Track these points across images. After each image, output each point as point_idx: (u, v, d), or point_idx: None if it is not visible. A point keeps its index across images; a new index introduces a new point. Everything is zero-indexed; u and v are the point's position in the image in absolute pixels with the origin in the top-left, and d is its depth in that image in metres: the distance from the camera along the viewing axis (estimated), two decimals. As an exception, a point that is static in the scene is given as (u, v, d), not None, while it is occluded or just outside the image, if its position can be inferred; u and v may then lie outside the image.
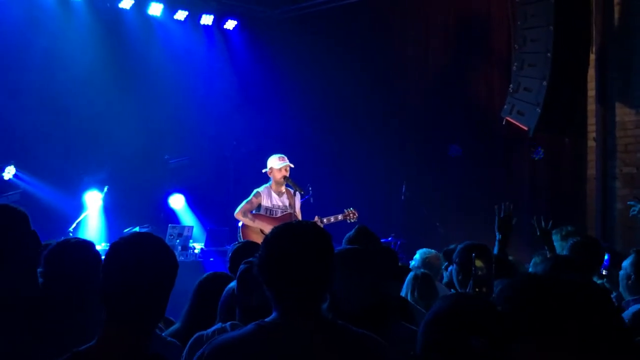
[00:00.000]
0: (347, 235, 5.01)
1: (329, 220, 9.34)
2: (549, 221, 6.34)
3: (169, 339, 3.40)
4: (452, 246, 6.02)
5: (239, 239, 9.22)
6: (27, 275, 3.19)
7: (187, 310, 4.07)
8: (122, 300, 2.41)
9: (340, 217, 9.45)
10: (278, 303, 2.56)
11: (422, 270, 5.78)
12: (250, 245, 5.06)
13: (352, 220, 9.39)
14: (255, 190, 9.39)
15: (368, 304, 3.33)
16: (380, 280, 3.60)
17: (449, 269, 5.41)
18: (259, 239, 8.80)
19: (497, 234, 5.50)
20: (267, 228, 8.82)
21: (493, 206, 5.62)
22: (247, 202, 9.30)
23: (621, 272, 5.08)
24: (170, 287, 2.53)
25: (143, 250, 2.47)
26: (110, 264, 2.46)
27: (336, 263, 3.37)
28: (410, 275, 5.43)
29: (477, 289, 3.80)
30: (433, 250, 6.87)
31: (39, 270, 3.34)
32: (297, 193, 9.32)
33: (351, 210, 9.50)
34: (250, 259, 3.55)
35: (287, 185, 9.40)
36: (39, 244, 3.31)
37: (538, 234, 6.27)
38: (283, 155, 9.43)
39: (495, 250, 5.39)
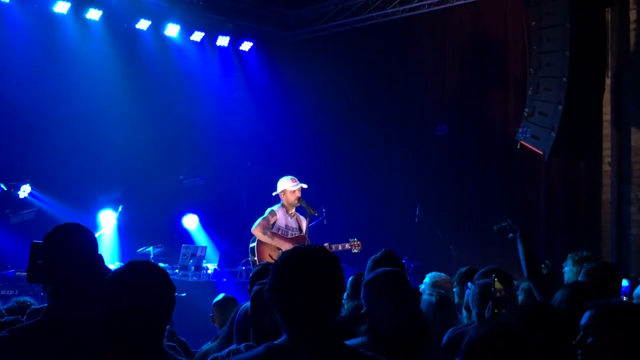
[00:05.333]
0: (373, 257, 5.03)
1: (337, 247, 9.33)
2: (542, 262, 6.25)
3: (175, 355, 3.39)
4: (463, 268, 5.99)
5: (252, 253, 9.20)
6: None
7: (227, 332, 4.08)
8: (121, 324, 2.58)
9: (347, 245, 9.43)
10: (287, 326, 2.57)
11: (436, 294, 5.72)
12: (270, 268, 5.04)
13: (356, 251, 9.36)
14: (270, 209, 9.32)
15: (409, 327, 3.33)
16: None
17: (467, 290, 5.38)
18: (273, 256, 8.84)
19: (517, 237, 5.46)
20: (284, 247, 8.88)
21: (507, 231, 5.61)
22: (263, 219, 9.20)
23: (634, 302, 5.02)
24: (170, 310, 2.72)
25: (140, 279, 2.67)
26: (109, 293, 2.64)
27: (377, 285, 3.39)
28: (427, 299, 5.37)
29: (495, 310, 3.79)
30: (443, 274, 6.82)
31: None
32: (306, 216, 9.29)
33: (356, 241, 9.46)
34: (264, 280, 3.55)
35: (299, 207, 9.38)
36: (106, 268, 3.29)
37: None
38: (294, 177, 9.40)
39: (521, 251, 5.36)
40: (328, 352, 2.55)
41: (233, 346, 3.46)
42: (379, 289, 3.39)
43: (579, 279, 5.52)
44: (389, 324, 3.31)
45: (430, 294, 5.41)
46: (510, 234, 5.53)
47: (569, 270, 6.18)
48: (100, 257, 3.25)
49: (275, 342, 2.55)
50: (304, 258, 2.60)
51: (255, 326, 3.46)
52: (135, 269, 2.72)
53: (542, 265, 5.97)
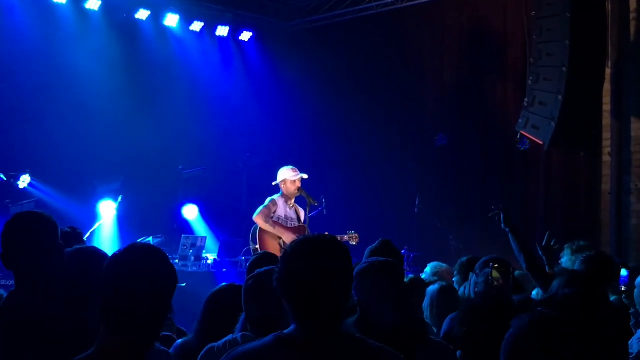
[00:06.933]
0: (370, 247, 5.00)
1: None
2: (553, 237, 6.30)
3: (158, 346, 3.38)
4: (464, 258, 6.04)
5: (253, 241, 9.22)
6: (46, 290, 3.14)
7: (199, 322, 4.06)
8: (120, 311, 2.42)
9: (345, 237, 9.41)
10: (296, 317, 2.54)
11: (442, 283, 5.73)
12: (267, 257, 5.05)
13: (354, 243, 9.33)
14: (271, 198, 9.36)
15: (402, 319, 3.32)
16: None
17: (471, 278, 5.40)
18: (274, 244, 8.89)
19: (506, 229, 5.52)
20: (285, 236, 9.04)
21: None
22: (265, 207, 9.24)
23: (636, 291, 5.04)
24: (170, 298, 2.54)
25: (141, 261, 2.49)
26: (109, 276, 2.47)
27: (366, 276, 3.37)
28: (430, 287, 5.38)
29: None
30: (444, 264, 6.83)
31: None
32: (305, 207, 9.30)
33: (353, 234, 9.42)
34: (259, 270, 3.55)
35: (298, 198, 9.40)
36: (64, 258, 3.26)
37: (541, 250, 6.20)
38: (295, 167, 9.42)
39: (515, 246, 5.41)
40: (336, 342, 2.52)
41: (229, 336, 3.46)
42: (369, 279, 3.37)
43: (575, 268, 5.56)
44: (378, 316, 3.30)
45: (434, 282, 5.43)
46: (503, 225, 5.59)
47: (567, 260, 6.20)
48: (61, 246, 3.25)
49: (284, 331, 2.52)
50: (312, 247, 2.56)
51: (247, 315, 3.46)
52: (133, 254, 2.52)
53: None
